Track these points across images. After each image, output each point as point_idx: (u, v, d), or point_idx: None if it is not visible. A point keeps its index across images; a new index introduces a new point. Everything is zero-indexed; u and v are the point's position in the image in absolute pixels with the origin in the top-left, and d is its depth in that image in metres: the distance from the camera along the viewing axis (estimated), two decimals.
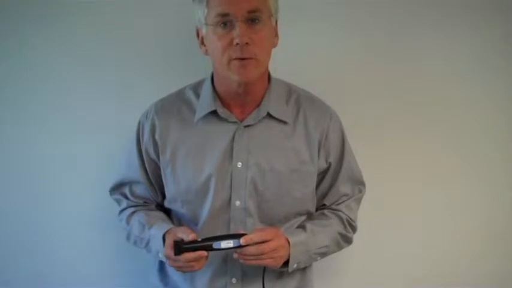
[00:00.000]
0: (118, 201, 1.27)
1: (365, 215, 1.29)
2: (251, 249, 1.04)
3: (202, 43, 1.12)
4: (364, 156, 1.29)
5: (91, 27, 1.36)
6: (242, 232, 1.07)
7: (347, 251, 1.26)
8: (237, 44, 1.04)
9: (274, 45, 1.13)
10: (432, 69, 1.39)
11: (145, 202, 1.25)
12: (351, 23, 1.37)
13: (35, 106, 1.39)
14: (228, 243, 1.04)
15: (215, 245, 1.04)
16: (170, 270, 1.19)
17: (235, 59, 1.05)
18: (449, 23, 1.37)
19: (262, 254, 1.05)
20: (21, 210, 1.42)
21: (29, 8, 1.36)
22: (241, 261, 1.07)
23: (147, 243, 1.17)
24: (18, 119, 1.40)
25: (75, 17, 1.36)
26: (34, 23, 1.37)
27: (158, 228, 1.13)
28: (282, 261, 1.09)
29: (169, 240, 1.08)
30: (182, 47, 1.35)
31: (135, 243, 1.21)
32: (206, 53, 1.12)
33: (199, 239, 1.04)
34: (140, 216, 1.21)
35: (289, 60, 1.28)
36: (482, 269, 1.44)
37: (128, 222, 1.22)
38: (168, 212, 1.23)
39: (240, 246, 1.04)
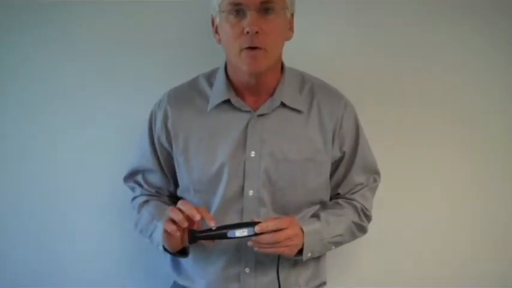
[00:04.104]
0: (132, 189, 1.41)
1: (380, 206, 1.41)
2: (266, 237, 1.14)
3: (216, 31, 1.24)
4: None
5: (102, 17, 1.52)
6: (256, 220, 1.17)
7: (361, 240, 1.39)
8: (247, 32, 1.15)
9: (288, 38, 1.24)
10: (440, 66, 1.53)
11: (157, 192, 1.38)
12: (355, 20, 1.51)
13: (45, 99, 1.56)
14: (242, 231, 1.14)
15: (230, 233, 1.14)
16: (183, 260, 1.31)
17: (246, 48, 1.16)
18: (462, 22, 1.50)
19: (277, 243, 1.15)
20: (32, 206, 1.58)
21: (32, 2, 1.50)
22: (255, 249, 1.17)
23: (151, 234, 1.27)
24: (27, 114, 1.56)
25: (83, 8, 1.51)
26: (38, 18, 1.51)
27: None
28: (297, 249, 1.20)
29: (172, 213, 1.16)
30: (196, 36, 1.49)
31: (141, 232, 1.32)
32: (219, 41, 1.24)
33: (214, 227, 1.15)
34: (152, 207, 1.32)
35: (296, 56, 1.37)
36: (493, 269, 1.59)
37: (138, 211, 1.35)
38: None
39: (255, 235, 1.14)
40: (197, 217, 1.12)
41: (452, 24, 1.51)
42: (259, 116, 1.26)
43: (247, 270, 1.28)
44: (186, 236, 1.18)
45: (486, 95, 1.54)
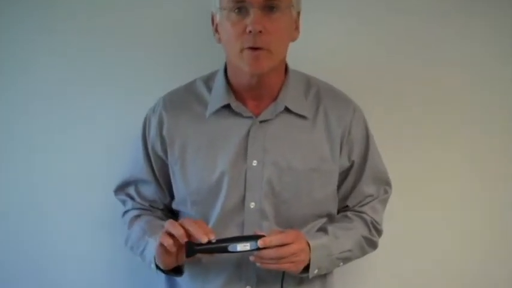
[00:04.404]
0: (123, 202, 1.37)
1: (391, 219, 1.39)
2: (270, 252, 1.10)
3: (216, 30, 1.21)
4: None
5: (95, 15, 1.49)
6: (260, 233, 1.13)
7: (371, 256, 1.35)
8: (250, 31, 1.11)
9: (293, 38, 1.22)
10: (451, 63, 1.52)
11: (151, 205, 1.34)
12: (361, 18, 1.50)
13: (33, 102, 1.52)
14: (244, 245, 1.10)
15: (231, 247, 1.10)
16: (178, 278, 1.26)
17: (248, 48, 1.13)
18: (471, 15, 1.50)
19: (281, 258, 1.11)
20: (22, 212, 1.55)
21: None
22: (258, 265, 1.13)
23: (143, 251, 1.24)
24: (16, 116, 1.53)
25: (77, 6, 1.49)
26: (32, 13, 1.48)
27: (157, 239, 1.16)
28: (303, 266, 1.16)
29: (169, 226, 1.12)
30: (194, 37, 1.48)
31: (131, 248, 1.29)
32: (219, 41, 1.21)
33: (214, 240, 1.10)
34: (143, 222, 1.28)
35: (301, 56, 1.36)
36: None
37: (129, 226, 1.31)
38: (176, 216, 1.32)
39: (258, 249, 1.10)
40: (205, 239, 1.09)
41: (462, 18, 1.51)
42: (261, 122, 1.23)
43: None
44: (181, 253, 1.14)
45: (499, 92, 1.53)
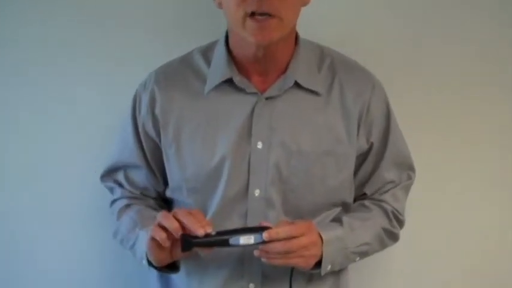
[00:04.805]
0: (110, 190, 1.32)
1: (414, 207, 1.34)
2: (277, 246, 1.06)
3: None
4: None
5: None
6: (265, 225, 1.08)
7: (391, 250, 1.31)
8: None
9: (304, 3, 1.16)
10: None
11: (142, 193, 1.30)
12: None
13: (10, 86, 1.47)
14: (248, 238, 1.05)
15: (232, 240, 1.05)
16: (173, 275, 1.22)
17: (252, 15, 1.07)
18: None
19: (290, 252, 1.07)
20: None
21: None
22: (263, 260, 1.09)
23: (133, 245, 1.20)
24: None
25: None
26: None
27: (149, 231, 1.13)
28: (314, 261, 1.12)
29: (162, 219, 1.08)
30: (190, 1, 1.43)
31: (121, 242, 1.25)
32: (220, 5, 1.14)
33: (213, 232, 1.06)
34: (134, 212, 1.24)
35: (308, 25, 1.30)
36: None
37: (118, 217, 1.27)
38: (171, 206, 1.28)
39: (263, 242, 1.06)
40: (201, 232, 1.04)
41: None
42: (267, 98, 1.18)
43: (251, 286, 1.20)
44: (176, 248, 1.10)
45: None
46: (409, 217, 1.31)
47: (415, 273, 1.53)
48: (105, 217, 1.35)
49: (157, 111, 1.21)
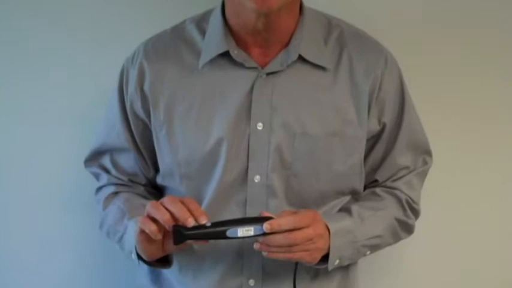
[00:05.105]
0: (96, 176, 1.30)
1: (428, 199, 1.31)
2: (279, 238, 1.03)
3: None
4: None
5: None
6: (266, 215, 1.05)
7: (405, 243, 1.29)
8: None
9: None
10: None
11: (131, 180, 1.27)
12: None
13: None
14: (247, 229, 1.02)
15: (230, 232, 1.02)
16: (165, 270, 1.19)
17: None
18: None
19: (293, 245, 1.04)
20: None
21: None
22: (264, 254, 1.05)
23: (121, 237, 1.18)
24: None
25: None
26: None
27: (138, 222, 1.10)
28: (320, 255, 1.08)
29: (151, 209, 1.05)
30: None
31: (108, 234, 1.23)
32: None
33: (208, 223, 1.02)
34: (122, 201, 1.21)
35: None
36: None
37: (104, 206, 1.24)
38: (162, 193, 1.25)
39: (264, 234, 1.03)
40: (191, 222, 1.01)
41: None
42: (268, 74, 1.13)
43: (251, 282, 1.16)
44: (168, 240, 1.06)
45: None
46: (424, 207, 1.28)
47: (431, 269, 1.51)
48: (90, 206, 1.33)
49: (146, 88, 1.17)
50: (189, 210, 1.02)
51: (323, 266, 1.11)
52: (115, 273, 1.48)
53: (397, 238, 1.23)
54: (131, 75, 1.19)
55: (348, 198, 1.21)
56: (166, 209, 1.02)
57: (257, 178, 1.13)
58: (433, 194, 1.35)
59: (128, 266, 1.34)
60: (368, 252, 1.17)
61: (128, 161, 1.25)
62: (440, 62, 1.43)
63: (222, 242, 1.06)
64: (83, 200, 1.41)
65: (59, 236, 1.49)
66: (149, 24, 1.28)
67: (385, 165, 1.24)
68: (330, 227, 1.09)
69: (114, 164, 1.26)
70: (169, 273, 1.21)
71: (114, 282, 1.49)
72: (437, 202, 1.41)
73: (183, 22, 1.21)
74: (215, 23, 1.15)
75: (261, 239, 1.04)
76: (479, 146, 1.46)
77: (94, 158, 1.28)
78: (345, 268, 1.21)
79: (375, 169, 1.24)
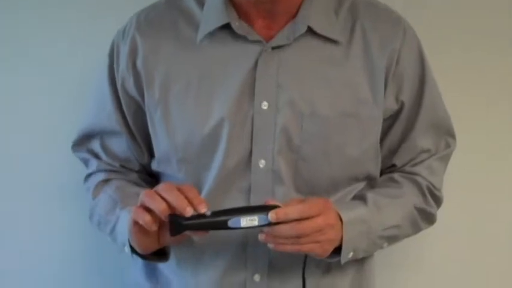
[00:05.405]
0: (85, 162, 1.28)
1: (452, 186, 1.29)
2: (286, 229, 0.99)
3: None
4: None
5: None
6: (272, 203, 1.01)
7: (426, 234, 1.25)
8: None
9: None
10: None
11: (123, 166, 1.24)
12: None
13: None
14: (251, 219, 0.99)
15: (232, 222, 0.99)
16: (162, 264, 1.17)
17: None
18: None
19: (302, 237, 1.00)
20: None
21: None
22: (270, 246, 1.02)
23: (113, 229, 1.15)
24: None
25: None
26: None
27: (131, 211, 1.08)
28: (332, 247, 1.05)
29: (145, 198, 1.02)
30: None
31: (98, 225, 1.21)
32: None
33: (208, 213, 0.99)
34: (113, 189, 1.19)
35: None
36: None
37: (94, 195, 1.22)
38: (157, 181, 1.22)
39: (269, 224, 0.99)
40: (189, 211, 0.98)
41: None
42: (274, 48, 1.09)
43: (256, 278, 1.13)
44: (164, 231, 1.04)
45: None
46: (447, 194, 1.25)
47: (454, 263, 1.48)
48: (79, 195, 1.31)
49: (139, 64, 1.14)
50: (187, 199, 0.99)
51: (335, 260, 1.07)
52: (106, 268, 1.48)
53: (416, 228, 1.19)
54: (122, 50, 1.16)
55: (362, 184, 1.18)
56: (162, 197, 0.99)
57: (262, 163, 1.09)
58: (456, 179, 1.33)
59: (121, 259, 1.28)
60: (385, 245, 1.14)
61: (120, 145, 1.22)
62: (459, 35, 1.42)
63: (223, 233, 1.03)
64: (71, 189, 1.40)
65: (45, 228, 1.48)
66: None
67: (403, 148, 1.20)
68: (342, 216, 1.05)
69: (105, 148, 1.23)
70: (166, 268, 1.18)
71: (105, 278, 1.49)
72: (461, 189, 1.40)
73: None
74: None
75: (266, 229, 1.01)
76: (508, 126, 1.44)
77: (82, 142, 1.25)
78: (360, 261, 1.17)
79: (393, 152, 1.21)
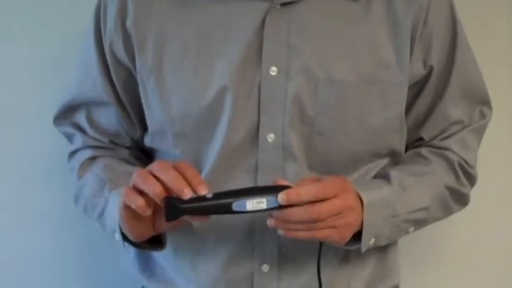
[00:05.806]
0: (68, 137, 1.22)
1: (486, 163, 1.23)
2: (298, 212, 0.93)
3: None
4: None
5: None
6: (282, 183, 0.95)
7: (458, 217, 1.20)
8: None
9: None
10: None
11: (112, 141, 1.19)
12: None
13: None
14: (258, 202, 0.93)
15: (237, 205, 0.93)
16: (157, 254, 1.12)
17: None
18: None
19: (317, 221, 0.94)
20: None
21: None
22: (280, 232, 0.96)
23: (101, 214, 1.11)
24: None
25: None
26: None
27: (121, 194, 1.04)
28: (351, 233, 0.99)
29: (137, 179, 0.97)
30: None
31: (85, 209, 1.16)
32: None
33: (209, 195, 0.93)
34: (101, 167, 1.14)
35: None
36: None
37: (80, 175, 1.17)
38: (151, 158, 1.17)
39: (279, 207, 0.93)
40: (187, 193, 0.93)
41: None
42: (283, 5, 1.02)
43: (265, 268, 1.07)
44: (160, 216, 0.98)
45: None
46: (481, 172, 1.18)
47: (487, 250, 1.44)
48: (63, 175, 1.26)
49: (129, 24, 1.06)
50: (185, 179, 0.92)
51: (355, 247, 1.01)
52: (96, 259, 1.45)
53: (448, 211, 1.13)
54: (110, 8, 1.08)
55: (385, 161, 1.11)
56: (157, 177, 0.93)
57: (271, 137, 1.03)
58: (491, 156, 1.29)
59: (112, 248, 1.28)
60: (411, 229, 1.08)
61: (108, 117, 1.16)
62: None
63: (226, 218, 0.98)
64: (53, 168, 1.36)
65: (27, 211, 1.43)
66: None
67: (432, 119, 1.14)
68: (363, 197, 0.99)
69: (91, 121, 1.17)
70: (161, 258, 1.12)
71: (95, 270, 1.45)
72: (497, 166, 1.37)
73: None
74: None
75: (275, 213, 0.95)
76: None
77: (66, 114, 1.19)
78: (382, 249, 1.11)
79: (420, 124, 1.14)
